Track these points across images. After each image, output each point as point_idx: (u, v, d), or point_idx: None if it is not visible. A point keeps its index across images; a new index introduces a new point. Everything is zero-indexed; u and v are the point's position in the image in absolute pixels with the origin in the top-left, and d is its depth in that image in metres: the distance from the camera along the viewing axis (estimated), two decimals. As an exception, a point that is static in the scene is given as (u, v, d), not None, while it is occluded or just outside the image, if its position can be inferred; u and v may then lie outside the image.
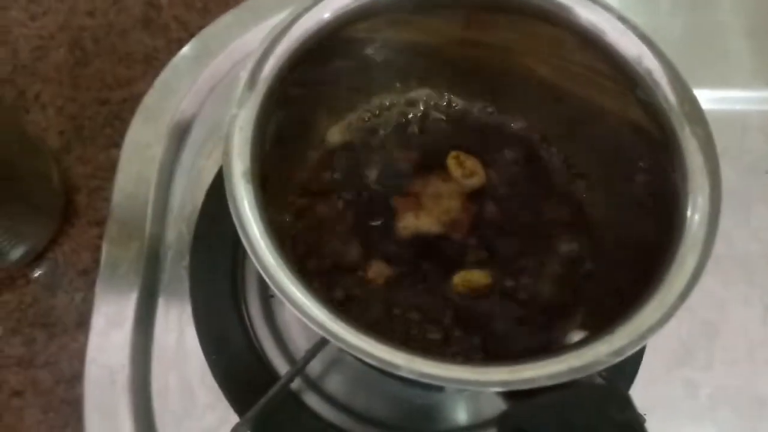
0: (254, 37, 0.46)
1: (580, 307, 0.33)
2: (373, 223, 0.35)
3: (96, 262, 0.41)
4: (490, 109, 0.38)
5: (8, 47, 0.48)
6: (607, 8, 0.30)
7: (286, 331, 0.40)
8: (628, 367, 0.37)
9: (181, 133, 0.46)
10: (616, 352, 0.24)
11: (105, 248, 0.41)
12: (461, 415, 0.38)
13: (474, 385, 0.24)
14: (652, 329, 0.25)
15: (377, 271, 0.33)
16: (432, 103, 0.38)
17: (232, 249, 0.41)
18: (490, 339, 0.32)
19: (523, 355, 0.25)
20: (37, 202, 0.42)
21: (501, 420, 0.26)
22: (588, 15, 0.30)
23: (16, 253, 0.41)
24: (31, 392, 0.40)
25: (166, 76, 0.46)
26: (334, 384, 0.39)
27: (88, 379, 0.38)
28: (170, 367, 0.40)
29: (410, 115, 0.38)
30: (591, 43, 0.30)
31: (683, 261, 0.26)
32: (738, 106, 0.47)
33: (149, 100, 0.45)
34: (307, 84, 0.32)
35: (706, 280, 0.26)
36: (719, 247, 0.26)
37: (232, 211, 0.26)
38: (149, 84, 0.46)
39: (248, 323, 0.40)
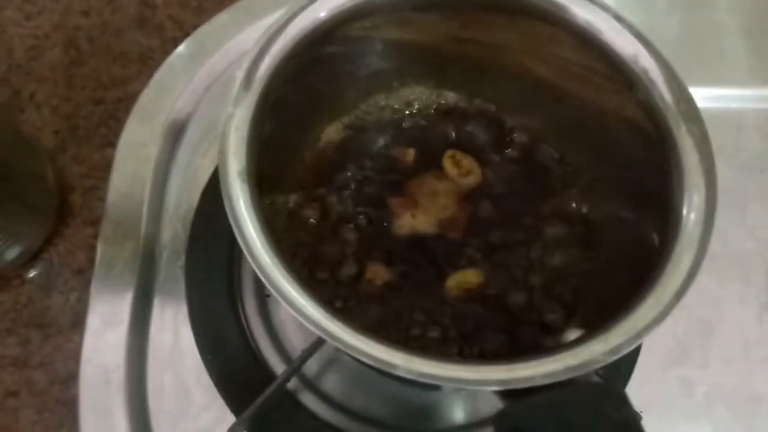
0: (250, 35, 0.46)
1: (576, 306, 0.33)
2: (370, 223, 0.35)
3: (91, 261, 0.41)
4: (486, 108, 0.38)
5: (3, 47, 0.48)
6: (604, 7, 0.30)
7: (282, 330, 0.40)
8: (624, 366, 0.38)
9: (176, 133, 0.45)
10: (613, 351, 0.24)
11: (100, 248, 0.41)
12: (459, 413, 0.38)
13: (471, 384, 0.24)
14: (648, 328, 0.25)
15: (375, 271, 0.33)
16: (428, 101, 0.38)
17: (228, 248, 0.41)
18: (486, 338, 0.32)
19: (520, 355, 0.25)
20: (32, 202, 0.42)
21: (498, 419, 0.26)
22: (585, 14, 0.30)
23: (11, 253, 0.41)
24: (26, 392, 0.40)
25: (162, 75, 0.46)
26: (331, 383, 0.38)
27: (83, 380, 0.38)
28: (166, 367, 0.40)
29: (406, 114, 0.38)
30: (587, 42, 0.30)
31: (679, 260, 0.26)
32: (734, 105, 0.47)
33: (144, 99, 0.45)
34: (302, 83, 0.32)
35: (702, 279, 0.26)
36: (715, 245, 0.26)
37: (227, 210, 0.26)
38: (144, 83, 0.46)
39: (244, 323, 0.40)
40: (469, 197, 0.36)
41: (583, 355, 0.24)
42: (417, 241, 0.35)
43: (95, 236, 0.42)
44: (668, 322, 0.25)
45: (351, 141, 0.37)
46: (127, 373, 0.38)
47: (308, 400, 0.38)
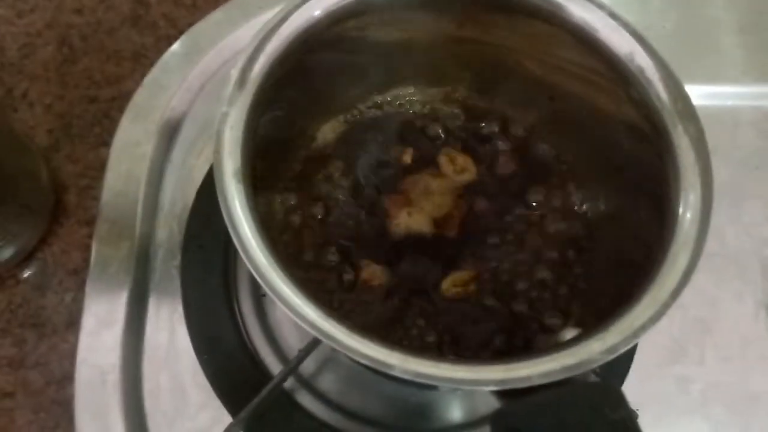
0: (244, 33, 0.46)
1: (572, 305, 0.33)
2: (366, 223, 0.35)
3: (86, 261, 0.41)
4: (482, 106, 0.38)
5: (-5, 45, 0.48)
6: (600, 6, 0.30)
7: (278, 329, 0.40)
8: (620, 364, 0.38)
9: (171, 131, 0.45)
10: (609, 350, 0.24)
11: (95, 247, 0.41)
12: (456, 413, 0.38)
13: (468, 385, 0.24)
14: (645, 327, 0.25)
15: (371, 272, 0.33)
16: (424, 100, 0.38)
17: (224, 247, 0.41)
18: (481, 339, 0.32)
19: (516, 355, 0.25)
20: (26, 201, 0.41)
21: (494, 418, 0.26)
22: (581, 13, 0.30)
23: (6, 253, 0.40)
24: (21, 393, 0.40)
25: (156, 73, 0.46)
26: (328, 383, 0.38)
27: (78, 380, 0.38)
28: (162, 367, 0.39)
29: (402, 113, 0.38)
30: (583, 40, 0.30)
31: (675, 259, 0.26)
32: (729, 102, 0.47)
33: (138, 98, 0.45)
34: (297, 82, 0.32)
35: (698, 277, 0.26)
36: (711, 243, 0.26)
37: (223, 211, 0.26)
38: (138, 82, 0.45)
39: (240, 322, 0.39)
40: (464, 195, 0.36)
41: (580, 355, 0.24)
42: (413, 240, 0.34)
43: (90, 236, 0.42)
44: (664, 320, 0.25)
45: (347, 140, 0.37)
46: (122, 373, 0.38)
47: (305, 399, 0.38)
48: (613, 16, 0.30)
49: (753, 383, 0.40)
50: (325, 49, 0.32)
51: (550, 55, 0.32)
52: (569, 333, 0.26)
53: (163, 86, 0.45)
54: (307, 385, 0.38)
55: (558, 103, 0.35)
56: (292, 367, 0.35)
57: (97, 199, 0.42)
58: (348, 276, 0.33)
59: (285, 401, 0.37)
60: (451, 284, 0.33)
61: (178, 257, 0.41)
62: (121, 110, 0.45)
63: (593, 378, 0.26)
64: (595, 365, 0.24)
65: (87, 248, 0.42)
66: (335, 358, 0.39)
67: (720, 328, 0.41)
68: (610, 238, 0.33)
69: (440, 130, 0.38)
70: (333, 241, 0.34)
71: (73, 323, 0.40)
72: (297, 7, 0.29)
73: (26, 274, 0.42)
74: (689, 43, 0.48)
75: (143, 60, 0.48)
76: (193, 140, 0.45)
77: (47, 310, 0.41)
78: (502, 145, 0.37)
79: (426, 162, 0.37)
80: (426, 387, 0.38)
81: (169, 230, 0.43)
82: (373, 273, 0.33)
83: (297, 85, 0.32)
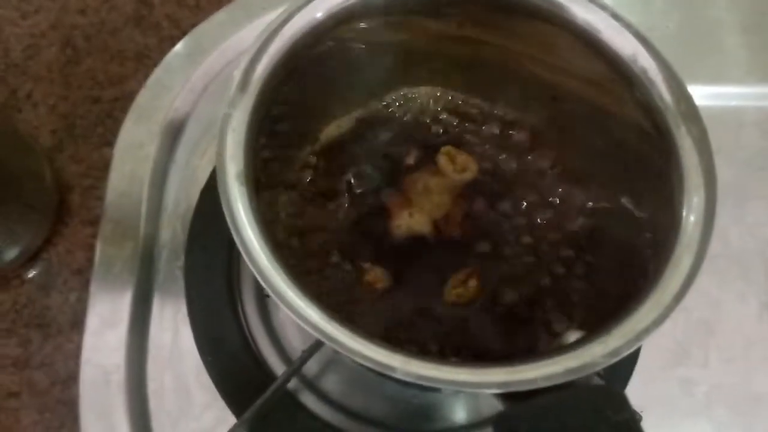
0: (247, 34, 0.46)
1: (576, 307, 0.33)
2: (368, 225, 0.35)
3: (90, 261, 0.41)
4: (483, 107, 0.38)
5: (-1, 46, 0.48)
6: (602, 6, 0.30)
7: (282, 330, 0.40)
8: (624, 367, 0.38)
9: (174, 132, 0.45)
10: (612, 353, 0.24)
11: (99, 248, 0.41)
12: (459, 414, 0.38)
13: (471, 387, 0.24)
14: (648, 330, 0.25)
15: (374, 275, 0.33)
16: (426, 101, 0.38)
17: (228, 248, 0.41)
18: (485, 342, 0.32)
19: (519, 357, 0.24)
20: (30, 202, 0.41)
21: (497, 421, 0.26)
22: (583, 14, 0.30)
23: (10, 253, 0.41)
24: (27, 393, 0.40)
25: (159, 74, 0.46)
26: (331, 384, 0.38)
27: (83, 380, 0.38)
28: (166, 367, 0.40)
29: (405, 114, 0.38)
30: (586, 41, 0.30)
31: (678, 261, 0.26)
32: (733, 102, 0.47)
33: (142, 98, 0.45)
34: (300, 84, 0.31)
35: (701, 278, 0.26)
36: (714, 244, 0.26)
37: (226, 213, 0.26)
38: (141, 82, 0.45)
39: (244, 323, 0.40)
40: (464, 194, 0.36)
41: (583, 358, 0.24)
42: (414, 241, 0.34)
43: (94, 236, 0.42)
44: (668, 322, 0.25)
45: (349, 141, 0.37)
46: (127, 373, 0.39)
47: (308, 400, 0.38)
48: (615, 16, 0.30)
49: (757, 384, 0.40)
50: (328, 50, 0.32)
51: (552, 55, 0.32)
52: (572, 336, 0.26)
53: (167, 87, 0.45)
54: (311, 385, 0.38)
55: (560, 103, 0.35)
56: (295, 368, 0.35)
57: (100, 199, 0.43)
58: (350, 278, 0.33)
59: (289, 402, 0.37)
60: (452, 286, 0.33)
61: (182, 257, 0.41)
62: (124, 111, 0.45)
63: (596, 381, 0.26)
64: (598, 368, 0.24)
65: (91, 248, 0.42)
66: (338, 359, 0.39)
67: (723, 330, 0.41)
68: (613, 240, 0.33)
69: (442, 130, 0.37)
70: (335, 243, 0.34)
71: (77, 323, 0.40)
72: (300, 8, 0.29)
73: (31, 274, 0.42)
74: (692, 44, 0.48)
75: (146, 60, 0.48)
76: (197, 141, 0.45)
77: (52, 310, 0.41)
78: (503, 144, 0.37)
79: (428, 161, 0.36)
80: (429, 389, 0.38)
81: (172, 231, 0.43)
82: (376, 275, 0.33)
83: (299, 87, 0.32)
